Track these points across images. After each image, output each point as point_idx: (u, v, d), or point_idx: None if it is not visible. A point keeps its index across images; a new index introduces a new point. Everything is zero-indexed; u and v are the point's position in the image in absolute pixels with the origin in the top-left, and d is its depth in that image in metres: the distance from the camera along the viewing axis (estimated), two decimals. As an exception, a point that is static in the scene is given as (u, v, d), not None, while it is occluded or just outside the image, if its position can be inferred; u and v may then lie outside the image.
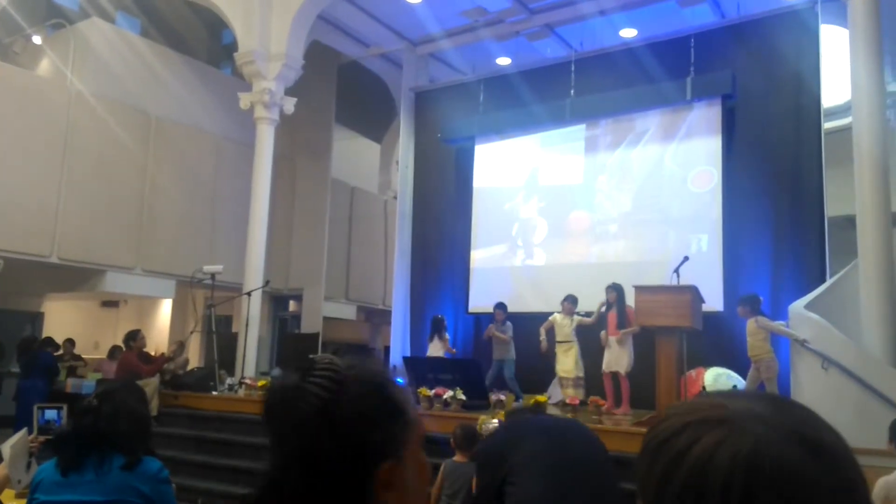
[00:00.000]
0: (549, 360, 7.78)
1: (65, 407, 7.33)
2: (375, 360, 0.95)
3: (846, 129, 7.11)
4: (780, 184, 8.06)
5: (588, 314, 7.75)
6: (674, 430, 0.60)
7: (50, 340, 10.06)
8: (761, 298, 6.80)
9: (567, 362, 7.58)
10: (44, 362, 9.42)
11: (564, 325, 7.68)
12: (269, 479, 0.87)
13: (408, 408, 0.89)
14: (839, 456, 0.56)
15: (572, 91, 9.55)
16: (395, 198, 11.96)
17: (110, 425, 2.13)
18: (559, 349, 7.66)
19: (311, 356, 0.91)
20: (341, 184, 13.35)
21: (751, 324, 6.56)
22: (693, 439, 0.57)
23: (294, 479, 0.84)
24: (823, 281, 7.16)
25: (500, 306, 8.56)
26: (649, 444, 0.62)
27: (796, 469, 0.54)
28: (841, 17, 7.29)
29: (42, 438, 3.39)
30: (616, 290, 7.29)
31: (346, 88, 13.01)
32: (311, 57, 10.71)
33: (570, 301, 7.77)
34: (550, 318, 7.80)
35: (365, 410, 0.85)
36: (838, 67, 7.88)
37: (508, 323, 8.49)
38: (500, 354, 8.39)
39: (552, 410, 6.75)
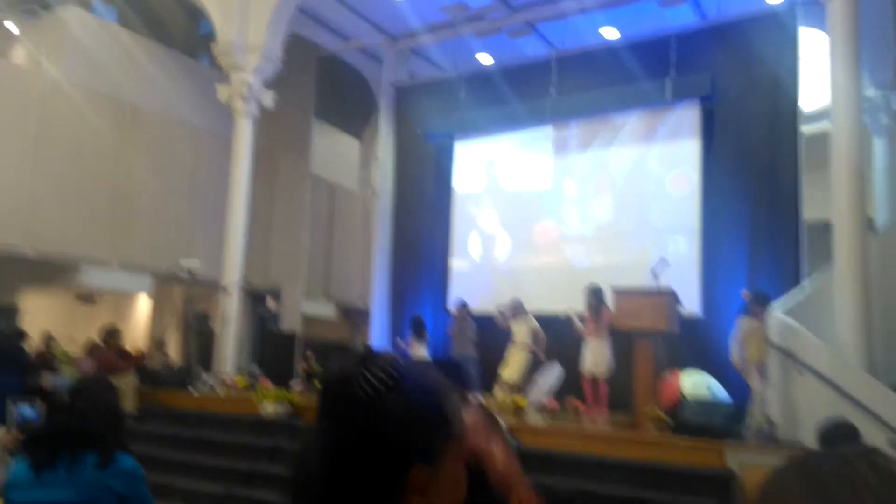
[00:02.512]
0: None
1: (38, 401, 7.24)
2: (434, 372, 0.96)
3: (824, 135, 7.17)
4: (757, 187, 8.11)
5: (567, 317, 7.74)
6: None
7: (20, 333, 9.90)
8: None
9: (513, 368, 7.62)
10: (15, 357, 9.28)
11: (520, 332, 7.71)
12: (304, 462, 0.90)
13: (454, 422, 0.91)
14: None
15: (553, 90, 9.53)
16: (375, 194, 11.89)
17: (84, 422, 2.12)
18: (510, 351, 7.70)
19: (383, 354, 0.94)
20: (321, 180, 13.24)
21: (762, 325, 6.36)
22: None
23: (328, 465, 0.86)
24: (799, 284, 7.24)
25: (464, 303, 8.66)
26: None
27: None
28: (820, 21, 7.32)
29: (17, 434, 3.36)
30: (595, 295, 7.35)
31: (325, 83, 12.87)
32: (290, 51, 10.54)
33: (517, 305, 7.82)
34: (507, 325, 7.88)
35: (410, 411, 0.87)
36: (817, 71, 7.94)
37: (470, 320, 8.54)
38: (464, 349, 8.44)
39: (532, 414, 6.81)
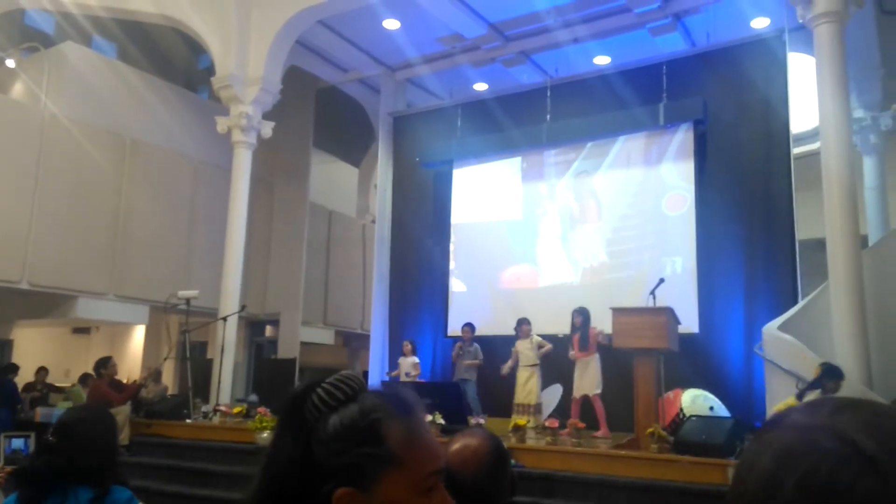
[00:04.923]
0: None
1: (32, 435, 7.15)
2: (410, 397, 0.91)
3: (815, 154, 7.28)
4: (751, 207, 8.22)
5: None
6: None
7: (11, 367, 9.82)
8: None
9: (525, 390, 7.56)
10: (6, 391, 9.20)
11: (526, 350, 7.68)
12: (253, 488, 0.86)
13: (394, 448, 0.84)
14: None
15: (548, 116, 9.69)
16: (374, 222, 11.96)
17: (73, 458, 2.05)
18: (520, 376, 7.64)
19: (343, 372, 0.91)
20: (319, 208, 13.32)
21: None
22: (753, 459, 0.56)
23: (257, 488, 0.84)
24: (795, 302, 7.28)
25: (470, 325, 8.62)
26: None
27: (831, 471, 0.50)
28: (808, 45, 7.49)
29: (9, 468, 3.29)
30: (581, 314, 7.37)
31: (324, 113, 13.04)
32: (288, 81, 10.73)
33: (525, 323, 7.80)
34: (513, 349, 7.80)
35: (342, 431, 0.83)
36: (806, 94, 8.10)
37: (476, 345, 8.51)
38: (467, 374, 8.38)
39: (531, 435, 6.74)
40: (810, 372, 6.07)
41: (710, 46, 9.01)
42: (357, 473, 0.81)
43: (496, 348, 8.46)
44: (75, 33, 11.37)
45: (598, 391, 7.17)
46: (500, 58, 10.55)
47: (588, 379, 7.20)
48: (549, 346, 7.67)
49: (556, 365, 7.80)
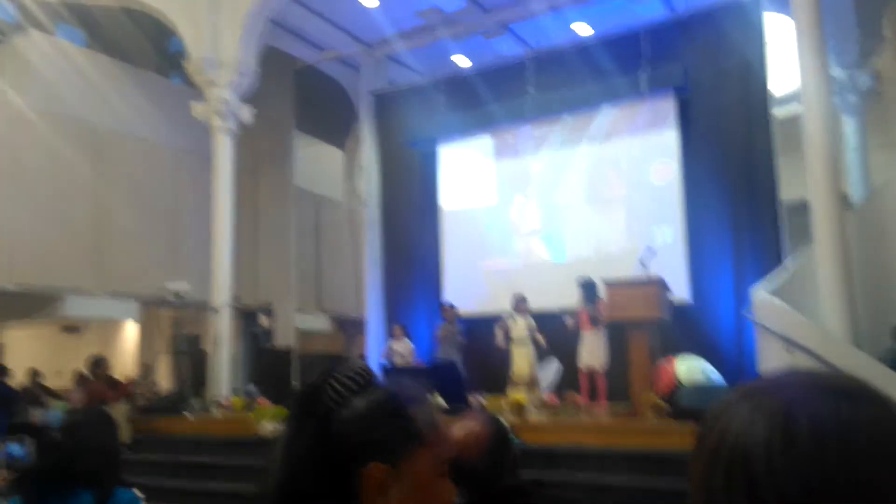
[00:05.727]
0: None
1: (26, 439, 7.11)
2: (417, 390, 0.94)
3: (796, 116, 7.31)
4: (735, 173, 8.24)
5: (561, 314, 7.76)
6: (714, 415, 0.58)
7: (2, 369, 9.76)
8: None
9: (521, 365, 7.64)
10: (1, 394, 9.15)
11: (520, 326, 7.74)
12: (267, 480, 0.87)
13: (421, 427, 0.87)
14: (874, 399, 0.54)
15: (530, 89, 9.60)
16: (362, 204, 11.88)
17: (75, 463, 2.04)
18: (515, 351, 7.71)
19: (357, 363, 0.93)
20: (306, 193, 13.19)
21: None
22: (730, 417, 0.56)
23: (286, 469, 0.85)
24: (781, 264, 7.35)
25: (451, 305, 8.71)
26: (697, 439, 0.59)
27: (834, 415, 0.52)
28: (784, 5, 7.46)
29: (10, 475, 3.29)
30: (588, 288, 7.41)
31: (304, 94, 12.82)
32: (266, 64, 10.46)
33: (522, 301, 7.84)
34: (507, 319, 7.85)
35: (369, 410, 0.85)
36: (785, 55, 8.09)
37: (458, 323, 8.58)
38: (454, 354, 8.44)
39: (532, 410, 6.84)
40: (800, 332, 6.18)
41: (689, 10, 8.92)
42: (386, 449, 0.84)
43: (492, 326, 8.50)
44: (37, 23, 10.98)
45: (605, 366, 7.24)
46: (480, 30, 10.38)
47: (597, 352, 7.26)
48: (541, 340, 7.71)
49: (553, 341, 7.84)
